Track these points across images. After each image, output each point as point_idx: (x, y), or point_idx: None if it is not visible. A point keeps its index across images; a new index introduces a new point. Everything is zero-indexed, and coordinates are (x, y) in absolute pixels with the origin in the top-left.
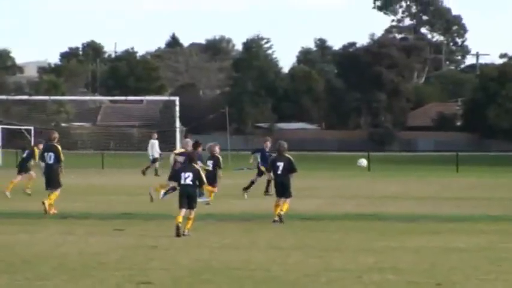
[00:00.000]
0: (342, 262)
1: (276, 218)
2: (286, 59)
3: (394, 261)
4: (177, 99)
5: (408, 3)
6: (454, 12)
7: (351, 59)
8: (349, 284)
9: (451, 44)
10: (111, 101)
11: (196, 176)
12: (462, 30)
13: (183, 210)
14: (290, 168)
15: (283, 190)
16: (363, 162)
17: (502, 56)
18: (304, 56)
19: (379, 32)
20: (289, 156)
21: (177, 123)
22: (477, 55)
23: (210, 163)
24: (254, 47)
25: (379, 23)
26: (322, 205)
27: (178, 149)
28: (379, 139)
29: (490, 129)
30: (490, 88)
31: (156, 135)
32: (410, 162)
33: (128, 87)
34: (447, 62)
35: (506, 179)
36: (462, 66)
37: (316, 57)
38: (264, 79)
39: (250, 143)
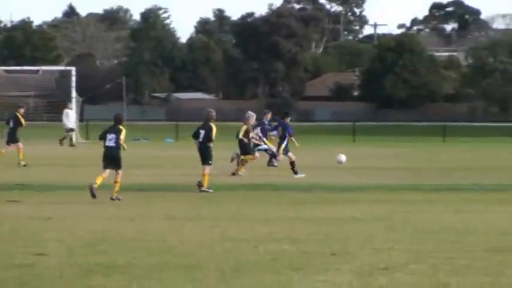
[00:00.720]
0: (238, 232)
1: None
2: (184, 30)
3: (289, 231)
4: (73, 69)
5: None
6: None
7: (249, 29)
8: (245, 254)
9: (349, 14)
10: (6, 71)
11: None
12: (360, 0)
13: (107, 171)
14: (209, 136)
15: (202, 157)
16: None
17: (399, 26)
18: (202, 26)
19: (277, 2)
20: (212, 125)
21: (73, 93)
22: (375, 25)
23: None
24: (152, 17)
25: None
26: (219, 175)
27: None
28: (276, 109)
29: (387, 99)
30: (387, 58)
31: (71, 105)
32: (307, 132)
33: (23, 57)
34: (345, 32)
35: (403, 148)
36: (360, 36)
37: (214, 27)
38: (161, 49)
39: (146, 114)
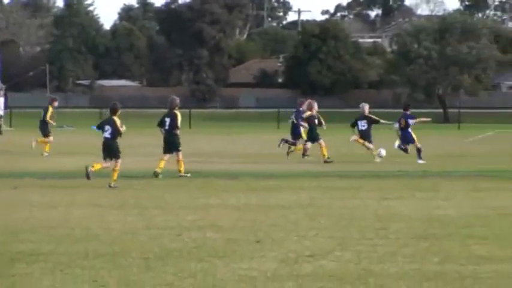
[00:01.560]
0: (162, 220)
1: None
2: (108, 16)
3: (214, 218)
4: None
5: None
6: None
7: (173, 16)
8: (169, 241)
9: (273, 0)
10: None
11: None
12: None
13: (107, 161)
14: (174, 124)
15: (169, 146)
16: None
17: (323, 12)
18: (126, 13)
19: None
20: (177, 112)
21: None
22: (299, 12)
23: None
24: (75, 4)
25: None
26: (144, 163)
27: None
28: (200, 96)
29: (312, 85)
30: (311, 45)
31: (2, 92)
32: (232, 119)
33: None
34: (269, 19)
35: (328, 136)
36: (284, 22)
37: (138, 14)
38: (85, 36)
39: (70, 100)
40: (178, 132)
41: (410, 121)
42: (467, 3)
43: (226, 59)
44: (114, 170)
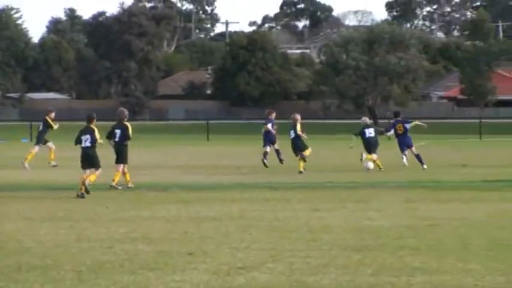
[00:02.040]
0: (94, 232)
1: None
2: (36, 29)
3: (145, 230)
4: None
5: None
6: None
7: (100, 29)
8: (100, 254)
9: (201, 12)
10: None
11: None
12: None
13: (86, 172)
14: (125, 135)
15: (119, 157)
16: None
17: (251, 24)
18: (54, 25)
19: (128, 1)
20: (127, 124)
21: None
22: (226, 23)
23: None
24: (3, 17)
25: None
26: (74, 175)
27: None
28: (130, 108)
29: (240, 97)
30: (239, 56)
31: None
32: (161, 131)
33: None
34: (197, 31)
35: (256, 147)
36: (212, 34)
37: (66, 27)
38: (14, 49)
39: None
40: (128, 143)
41: (407, 125)
42: (395, 13)
43: (155, 71)
44: (94, 175)
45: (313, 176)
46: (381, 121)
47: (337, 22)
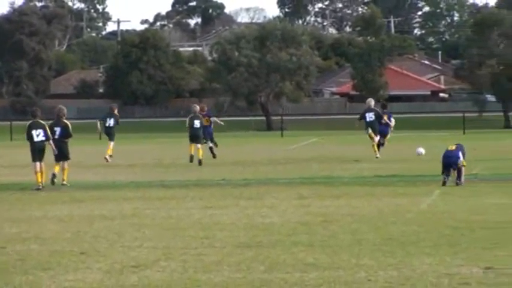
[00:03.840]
0: None
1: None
2: None
3: (37, 230)
4: None
5: None
6: None
7: None
8: None
9: (92, 11)
10: None
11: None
12: None
13: (37, 164)
14: (66, 133)
15: (61, 154)
16: (421, 151)
17: (142, 22)
18: None
19: (20, 0)
20: (67, 121)
21: None
22: (118, 22)
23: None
24: None
25: None
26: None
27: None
28: (21, 108)
29: (133, 95)
30: (131, 55)
31: None
32: None
33: None
34: (88, 29)
35: (150, 145)
36: (103, 33)
37: None
38: None
39: None
40: (68, 140)
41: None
42: (287, 10)
43: (47, 71)
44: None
45: (206, 173)
46: (273, 118)
47: (229, 19)
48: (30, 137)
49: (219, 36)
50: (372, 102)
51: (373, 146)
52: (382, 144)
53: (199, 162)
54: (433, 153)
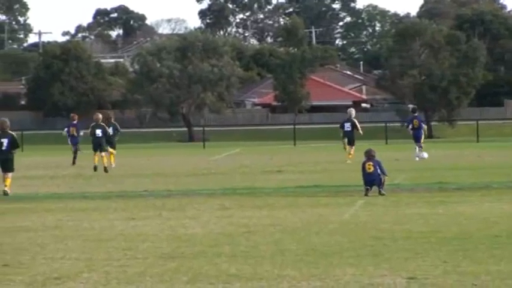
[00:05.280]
0: None
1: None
2: None
3: None
4: None
5: None
6: None
7: None
8: None
9: (13, 22)
10: None
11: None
12: (24, 8)
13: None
14: (14, 144)
15: (7, 165)
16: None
17: (64, 33)
18: None
19: None
20: (12, 133)
21: None
22: (39, 33)
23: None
24: None
25: None
26: None
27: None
28: None
29: (55, 107)
30: (53, 66)
31: None
32: None
33: None
34: (10, 41)
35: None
36: (25, 44)
37: None
38: None
39: None
40: (15, 152)
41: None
42: (208, 21)
43: None
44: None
45: (129, 184)
46: (195, 128)
47: (150, 31)
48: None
49: (141, 48)
50: (352, 112)
51: (347, 152)
52: (421, 147)
53: (105, 170)
54: (355, 164)
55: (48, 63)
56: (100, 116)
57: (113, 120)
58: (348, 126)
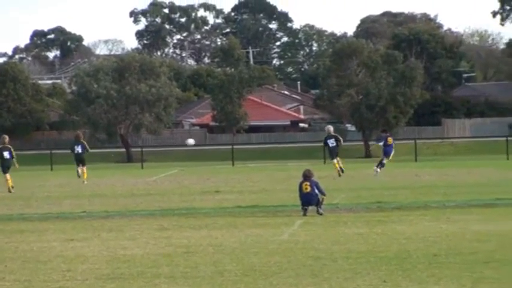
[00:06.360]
0: None
1: None
2: None
3: None
4: None
5: None
6: None
7: None
8: None
9: None
10: None
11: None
12: None
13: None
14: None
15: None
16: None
17: (1, 55)
18: None
19: None
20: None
21: None
22: None
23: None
24: None
25: None
26: None
27: None
28: None
29: None
30: None
31: None
32: None
33: None
34: None
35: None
36: None
37: None
38: None
39: None
40: None
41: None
42: (145, 42)
43: None
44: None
45: (67, 206)
46: (133, 149)
47: (87, 51)
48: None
49: (78, 69)
50: (331, 128)
51: (334, 164)
52: (383, 165)
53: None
54: (293, 184)
55: None
56: (7, 138)
57: (81, 139)
58: (332, 142)
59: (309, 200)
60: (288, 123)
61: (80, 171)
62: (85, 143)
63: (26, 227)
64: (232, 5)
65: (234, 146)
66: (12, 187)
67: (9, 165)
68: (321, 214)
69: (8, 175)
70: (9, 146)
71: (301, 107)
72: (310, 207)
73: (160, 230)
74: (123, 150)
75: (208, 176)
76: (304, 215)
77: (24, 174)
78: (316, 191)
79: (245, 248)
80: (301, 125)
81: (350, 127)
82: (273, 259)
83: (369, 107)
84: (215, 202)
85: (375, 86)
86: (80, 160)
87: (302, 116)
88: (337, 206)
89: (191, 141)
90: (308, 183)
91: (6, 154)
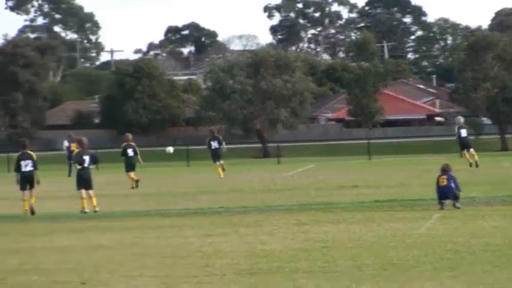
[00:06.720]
0: None
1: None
2: None
3: (38, 261)
4: None
5: (40, 2)
6: (87, 10)
7: None
8: None
9: (85, 41)
10: None
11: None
12: (95, 27)
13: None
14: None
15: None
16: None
17: (136, 51)
18: None
19: (13, 33)
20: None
21: None
22: (111, 52)
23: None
24: None
25: (12, 23)
26: None
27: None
28: (18, 140)
29: (128, 125)
30: (126, 84)
31: None
32: (50, 162)
33: None
34: (82, 60)
35: (148, 173)
36: (97, 63)
37: None
38: None
39: None
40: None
41: None
42: (280, 37)
43: (42, 102)
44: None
45: (205, 201)
46: (269, 145)
47: (222, 47)
48: (18, 168)
49: (213, 64)
50: (461, 119)
51: (469, 157)
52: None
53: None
54: (431, 178)
55: (120, 82)
56: (130, 136)
57: (216, 134)
58: (464, 132)
59: (446, 193)
60: (424, 117)
61: (218, 164)
62: (220, 137)
63: (164, 223)
64: (366, 0)
65: (370, 141)
66: (137, 181)
67: (133, 163)
68: (457, 208)
69: (131, 173)
70: (133, 144)
71: (437, 101)
72: (447, 201)
73: (298, 225)
74: (260, 145)
75: (346, 170)
76: (442, 208)
77: (161, 170)
78: (453, 185)
79: (383, 242)
80: (437, 118)
81: (486, 120)
82: (411, 253)
83: (506, 100)
84: (352, 196)
85: (510, 80)
86: (216, 155)
87: (438, 110)
88: (474, 199)
89: (170, 148)
90: (445, 177)
91: (130, 151)
